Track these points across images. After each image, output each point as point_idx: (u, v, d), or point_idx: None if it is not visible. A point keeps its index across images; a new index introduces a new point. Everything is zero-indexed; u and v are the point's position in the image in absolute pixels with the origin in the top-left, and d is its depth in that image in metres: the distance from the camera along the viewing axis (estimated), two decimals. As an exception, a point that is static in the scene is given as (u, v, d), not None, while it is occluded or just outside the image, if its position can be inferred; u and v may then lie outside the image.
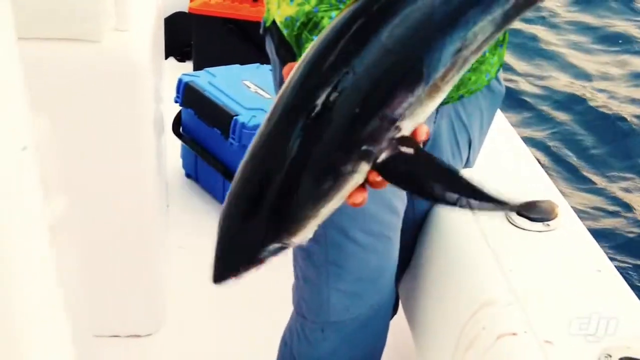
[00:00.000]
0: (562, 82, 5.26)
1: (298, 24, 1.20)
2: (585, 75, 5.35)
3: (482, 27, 0.78)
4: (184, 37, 3.69)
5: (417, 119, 0.78)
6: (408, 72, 0.75)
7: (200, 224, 2.72)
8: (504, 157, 1.74)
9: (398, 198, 1.45)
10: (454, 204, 0.82)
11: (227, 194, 0.80)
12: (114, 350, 2.07)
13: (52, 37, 1.78)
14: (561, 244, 1.43)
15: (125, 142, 1.97)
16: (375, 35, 0.73)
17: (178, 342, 2.17)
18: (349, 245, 1.43)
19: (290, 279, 1.59)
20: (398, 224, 1.49)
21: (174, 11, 3.71)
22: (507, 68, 5.07)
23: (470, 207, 0.85)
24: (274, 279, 1.80)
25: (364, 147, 0.75)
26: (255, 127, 2.50)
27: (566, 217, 1.49)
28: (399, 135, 0.77)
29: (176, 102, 2.80)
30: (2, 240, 0.81)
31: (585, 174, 4.21)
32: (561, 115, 4.84)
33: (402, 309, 1.75)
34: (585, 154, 4.41)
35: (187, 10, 3.62)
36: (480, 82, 1.45)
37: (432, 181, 0.80)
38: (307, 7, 1.20)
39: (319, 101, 0.72)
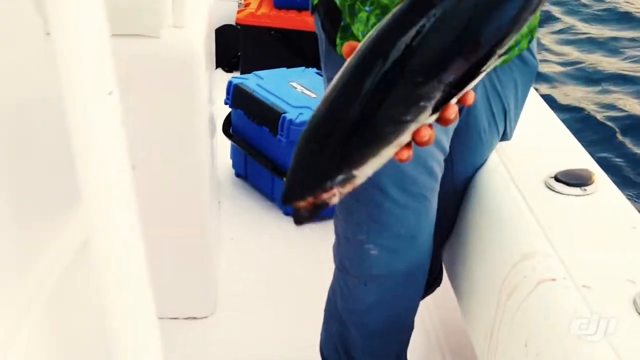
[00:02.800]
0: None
1: None
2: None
3: None
4: (231, 49, 3.84)
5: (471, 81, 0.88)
6: (466, 43, 0.85)
7: (249, 218, 2.85)
8: (538, 129, 1.82)
9: (435, 161, 1.54)
10: None
11: (306, 125, 0.90)
12: (174, 331, 2.20)
13: (114, 33, 1.91)
14: (598, 206, 1.50)
15: (182, 136, 2.08)
16: (435, 10, 0.82)
17: (231, 323, 2.30)
18: (387, 203, 1.53)
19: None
20: (435, 186, 1.57)
21: (222, 24, 3.86)
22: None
23: None
24: (320, 266, 1.91)
25: (421, 103, 0.86)
26: (303, 123, 2.61)
27: (602, 182, 1.56)
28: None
29: (226, 103, 2.93)
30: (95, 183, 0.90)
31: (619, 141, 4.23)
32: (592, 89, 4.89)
33: (446, 273, 1.83)
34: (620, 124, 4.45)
35: (234, 23, 3.77)
36: (511, 53, 1.53)
37: None
38: None
39: (389, 61, 0.82)
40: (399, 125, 0.86)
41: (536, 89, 1.91)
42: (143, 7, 1.90)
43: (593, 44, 5.84)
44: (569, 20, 6.36)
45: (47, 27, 0.81)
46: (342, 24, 1.43)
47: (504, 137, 1.68)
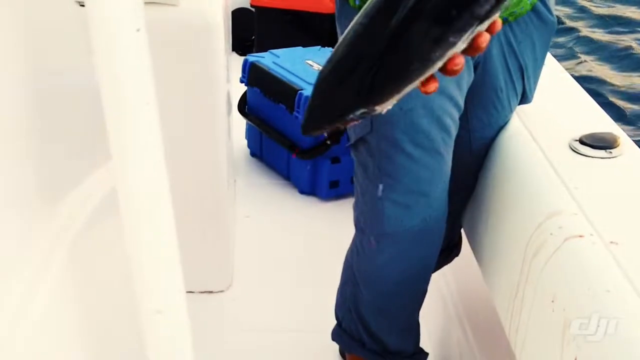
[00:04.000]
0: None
1: None
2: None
3: None
4: (245, 33, 3.83)
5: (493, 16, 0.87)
6: None
7: (265, 196, 2.85)
8: (558, 93, 1.80)
9: (448, 116, 1.53)
10: None
11: (329, 58, 0.89)
12: (190, 304, 2.18)
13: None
14: (624, 168, 1.48)
15: (201, 108, 2.08)
16: None
17: (246, 298, 2.30)
18: (400, 157, 1.52)
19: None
20: (449, 142, 1.56)
21: (236, 7, 3.85)
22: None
23: None
24: (335, 243, 1.90)
25: (451, 39, 0.85)
26: (319, 100, 2.60)
27: (628, 146, 1.55)
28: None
29: (242, 82, 2.92)
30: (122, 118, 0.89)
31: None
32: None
33: (466, 238, 1.81)
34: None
35: (248, 5, 3.76)
36: (523, 5, 1.51)
37: None
38: None
39: None
40: (426, 62, 0.84)
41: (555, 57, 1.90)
42: (163, -26, 1.89)
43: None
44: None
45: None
46: None
47: (524, 99, 1.66)
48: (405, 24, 0.82)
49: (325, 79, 0.89)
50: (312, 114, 0.89)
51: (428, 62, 0.86)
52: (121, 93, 0.88)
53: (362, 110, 0.88)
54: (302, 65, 2.84)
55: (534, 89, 1.66)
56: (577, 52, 5.55)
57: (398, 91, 0.88)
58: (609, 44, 5.63)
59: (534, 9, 1.55)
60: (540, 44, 1.59)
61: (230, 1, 3.64)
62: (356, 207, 1.65)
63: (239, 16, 3.84)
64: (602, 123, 1.66)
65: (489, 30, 0.87)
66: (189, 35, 1.96)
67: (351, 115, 0.89)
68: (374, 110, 0.90)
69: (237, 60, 3.62)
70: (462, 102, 1.56)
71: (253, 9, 3.75)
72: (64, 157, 1.14)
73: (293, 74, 2.77)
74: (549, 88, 1.74)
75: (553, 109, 1.71)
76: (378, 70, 0.84)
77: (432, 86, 0.89)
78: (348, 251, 1.73)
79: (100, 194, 1.16)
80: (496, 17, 0.89)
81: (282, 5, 3.57)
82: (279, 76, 2.77)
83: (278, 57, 2.91)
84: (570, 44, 5.61)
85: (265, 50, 3.06)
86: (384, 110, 0.92)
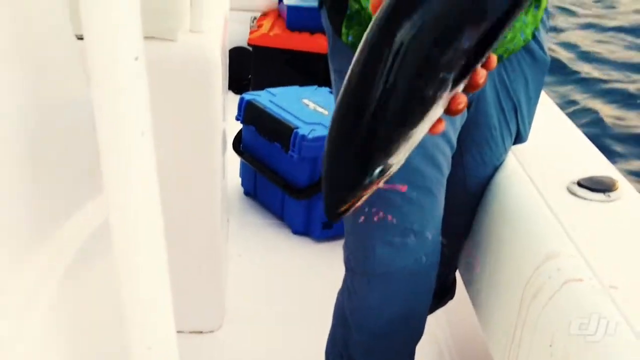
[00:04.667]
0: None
1: None
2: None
3: None
4: (242, 71, 3.84)
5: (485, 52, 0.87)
6: (475, 11, 0.84)
7: (257, 236, 2.82)
8: (555, 134, 1.80)
9: (441, 153, 1.51)
10: None
11: (326, 138, 0.89)
12: (179, 344, 2.14)
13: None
14: (622, 212, 1.47)
15: (196, 144, 2.06)
16: None
17: (236, 339, 2.26)
18: (392, 196, 1.49)
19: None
20: (441, 180, 1.54)
21: (233, 46, 3.86)
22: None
23: None
24: (328, 284, 1.88)
25: (442, 75, 0.84)
26: (315, 139, 2.59)
27: (626, 190, 1.54)
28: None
29: (237, 119, 2.92)
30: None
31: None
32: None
33: (462, 280, 1.79)
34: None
35: (246, 45, 3.78)
36: (516, 42, 1.50)
37: None
38: None
39: (401, 36, 0.81)
40: (424, 103, 0.84)
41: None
42: (160, 9, 1.88)
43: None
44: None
45: (79, 30, 0.81)
46: (347, 12, 1.43)
47: (519, 138, 1.65)
48: (397, 69, 0.82)
49: (331, 148, 0.88)
50: (332, 196, 0.89)
51: (425, 102, 0.85)
52: (116, 122, 0.86)
53: (379, 169, 0.87)
54: (299, 104, 2.84)
55: (529, 128, 1.65)
56: (573, 92, 5.58)
57: (406, 139, 0.88)
58: (607, 83, 5.67)
59: (526, 47, 1.55)
60: (533, 82, 1.59)
61: (228, 40, 3.65)
62: (346, 247, 1.62)
63: (236, 55, 3.85)
64: (600, 165, 1.66)
65: (485, 66, 0.87)
66: (187, 72, 1.95)
67: (369, 179, 0.88)
68: (390, 165, 0.89)
69: (233, 99, 3.62)
70: (455, 141, 1.55)
71: (250, 48, 3.76)
72: (56, 188, 1.12)
73: (289, 112, 2.76)
74: (545, 128, 1.74)
75: (550, 150, 1.71)
76: (380, 123, 0.83)
77: (439, 127, 0.89)
78: (339, 292, 1.70)
79: (93, 227, 1.14)
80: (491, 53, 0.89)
81: (279, 45, 3.58)
82: (275, 115, 2.77)
83: (274, 95, 2.91)
84: (568, 84, 5.65)
85: (262, 89, 3.06)
86: (400, 163, 0.91)
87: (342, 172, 0.86)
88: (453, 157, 1.55)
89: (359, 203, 0.89)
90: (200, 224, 2.15)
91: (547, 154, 1.69)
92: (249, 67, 3.80)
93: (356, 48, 1.45)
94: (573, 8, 6.76)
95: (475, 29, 0.84)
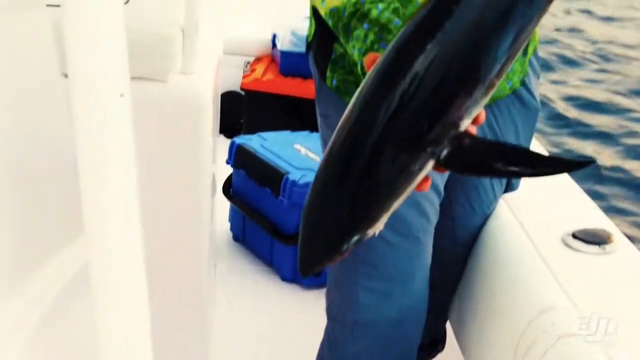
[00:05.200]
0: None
1: (347, 13, 1.24)
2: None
3: (531, 15, 0.87)
4: (234, 116, 3.82)
5: (473, 115, 0.87)
6: (465, 78, 0.84)
7: (245, 282, 2.78)
8: (548, 184, 1.77)
9: (427, 201, 1.48)
10: (519, 174, 0.92)
11: (308, 194, 0.89)
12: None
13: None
14: (617, 265, 1.44)
15: (184, 188, 2.03)
16: (431, 49, 0.82)
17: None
18: (377, 244, 1.45)
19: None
20: (428, 228, 1.51)
21: (226, 90, 3.86)
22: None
23: (536, 175, 0.92)
24: (316, 332, 1.83)
25: (428, 149, 0.84)
26: (306, 185, 2.57)
27: (621, 242, 1.51)
28: (458, 132, 0.86)
29: (228, 163, 2.89)
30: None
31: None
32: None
33: (453, 333, 1.75)
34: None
35: (238, 89, 3.77)
36: (502, 89, 1.49)
37: (493, 161, 0.88)
38: None
39: (386, 112, 0.82)
40: (408, 176, 0.85)
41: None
42: (152, 50, 1.87)
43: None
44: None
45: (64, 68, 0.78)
46: (332, 56, 1.42)
47: (510, 186, 1.62)
48: (380, 142, 0.82)
49: (311, 210, 0.88)
50: (306, 253, 0.89)
51: (409, 175, 0.85)
52: (99, 161, 0.83)
53: (356, 238, 0.89)
54: (290, 150, 2.81)
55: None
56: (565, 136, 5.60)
57: (387, 210, 0.89)
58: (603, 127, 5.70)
59: (515, 94, 1.52)
60: (524, 129, 1.56)
61: (220, 84, 3.65)
62: (328, 295, 1.58)
63: (228, 99, 3.84)
64: (595, 217, 1.63)
65: (473, 122, 0.87)
66: (177, 113, 1.92)
67: (347, 246, 0.89)
68: (367, 235, 0.90)
69: (225, 143, 3.61)
70: (442, 188, 1.51)
71: (243, 93, 3.75)
72: (36, 229, 1.08)
73: (280, 157, 2.74)
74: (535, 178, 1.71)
75: (544, 200, 1.68)
76: (363, 196, 0.84)
77: (426, 185, 0.89)
78: (320, 344, 1.65)
79: (72, 272, 1.10)
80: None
81: (272, 89, 3.57)
82: (266, 159, 2.74)
83: (266, 140, 2.89)
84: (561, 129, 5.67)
85: (254, 134, 3.04)
86: (378, 231, 0.91)
87: (321, 237, 0.87)
88: (442, 206, 1.52)
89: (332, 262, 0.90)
90: (185, 269, 2.10)
91: (541, 203, 1.66)
92: (241, 112, 3.79)
93: (340, 92, 1.44)
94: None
95: (467, 97, 0.84)
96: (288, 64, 3.58)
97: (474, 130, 0.89)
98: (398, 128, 0.81)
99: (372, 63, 0.86)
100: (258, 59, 3.91)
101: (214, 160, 2.27)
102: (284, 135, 2.96)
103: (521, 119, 1.54)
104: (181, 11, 1.94)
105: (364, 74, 0.95)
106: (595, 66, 6.63)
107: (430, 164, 0.86)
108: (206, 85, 2.01)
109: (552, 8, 0.94)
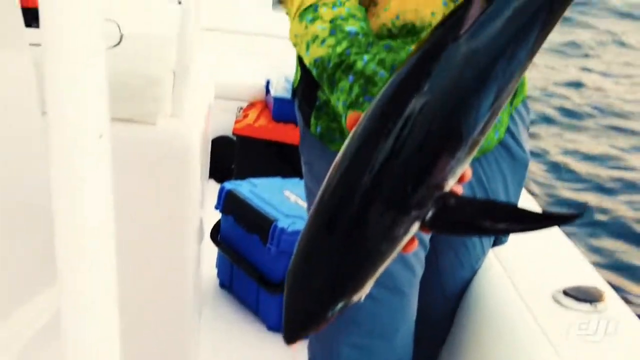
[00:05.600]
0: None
1: (331, 64, 1.21)
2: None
3: (512, 73, 0.86)
4: (225, 161, 3.80)
5: (457, 175, 0.87)
6: (447, 139, 0.83)
7: (231, 331, 2.72)
8: (539, 239, 1.74)
9: (413, 254, 1.44)
10: (507, 231, 0.91)
11: (293, 257, 0.87)
12: None
13: (113, 117, 1.85)
14: (608, 323, 1.41)
15: (169, 233, 2.00)
16: (412, 111, 0.81)
17: None
18: None
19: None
20: (413, 280, 1.47)
21: (218, 135, 3.84)
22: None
23: (524, 230, 0.91)
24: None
25: (412, 213, 0.83)
26: (295, 232, 2.53)
27: (613, 300, 1.48)
28: (442, 193, 0.84)
29: (216, 208, 2.86)
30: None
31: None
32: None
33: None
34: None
35: (230, 134, 3.75)
36: (489, 140, 1.46)
37: (480, 220, 0.87)
38: (338, 49, 1.20)
39: (368, 178, 0.81)
40: (392, 241, 0.83)
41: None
42: (141, 92, 1.85)
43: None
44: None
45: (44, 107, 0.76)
46: (317, 103, 1.40)
47: (498, 240, 1.59)
48: (363, 208, 0.80)
49: (295, 278, 0.86)
50: (290, 324, 0.87)
51: (394, 240, 0.84)
52: (75, 205, 0.80)
53: (341, 304, 0.86)
54: (280, 196, 2.78)
55: None
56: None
57: (373, 274, 0.86)
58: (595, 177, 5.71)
59: (503, 145, 1.50)
60: (512, 181, 1.53)
61: (212, 129, 3.63)
62: (310, 348, 1.54)
63: (220, 144, 3.82)
64: (586, 274, 1.60)
65: (459, 180, 0.87)
66: (164, 157, 1.90)
67: (332, 313, 0.86)
68: (353, 301, 0.88)
69: (215, 187, 3.58)
70: (427, 240, 1.48)
71: (234, 138, 3.74)
72: (7, 275, 1.04)
73: (269, 204, 2.71)
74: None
75: (535, 255, 1.65)
76: (349, 259, 0.82)
77: (412, 247, 0.88)
78: None
79: (44, 318, 1.06)
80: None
81: (264, 135, 3.56)
82: (255, 206, 2.71)
83: (256, 186, 2.86)
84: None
85: (245, 179, 3.02)
86: (363, 297, 0.90)
87: (305, 305, 0.86)
88: (428, 260, 1.49)
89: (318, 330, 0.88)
90: (168, 318, 2.06)
91: (531, 257, 1.64)
92: (232, 157, 3.77)
93: (324, 140, 1.42)
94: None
95: (450, 158, 0.83)
96: (281, 110, 3.57)
97: (459, 189, 0.87)
98: (381, 193, 0.80)
99: (354, 123, 0.86)
100: (251, 105, 3.90)
101: (202, 205, 2.24)
102: (275, 182, 2.93)
103: (510, 170, 1.52)
104: (173, 53, 1.93)
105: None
106: (594, 120, 6.69)
107: (416, 227, 0.85)
108: (195, 129, 1.99)
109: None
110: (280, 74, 3.66)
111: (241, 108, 3.93)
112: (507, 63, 0.85)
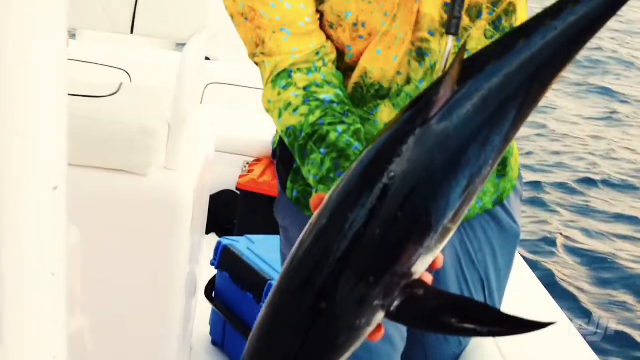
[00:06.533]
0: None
1: (303, 134, 1.17)
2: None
3: (486, 158, 0.81)
4: (227, 215, 3.76)
5: (427, 263, 0.82)
6: (415, 227, 0.79)
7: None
8: (533, 311, 1.67)
9: (392, 326, 1.37)
10: (474, 333, 0.86)
11: (250, 340, 0.84)
12: None
13: (102, 167, 1.82)
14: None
15: (154, 289, 1.95)
16: (377, 197, 0.78)
17: None
18: None
19: None
20: (392, 353, 1.39)
21: (223, 189, 3.81)
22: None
23: (493, 335, 0.86)
24: None
25: (376, 302, 0.79)
26: (289, 292, 2.47)
27: None
28: (410, 281, 0.81)
29: (212, 264, 2.80)
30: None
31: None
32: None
33: None
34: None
35: (233, 188, 3.72)
36: (471, 208, 1.39)
37: (447, 316, 0.82)
38: (311, 118, 1.16)
39: (329, 265, 0.77)
40: (354, 332, 0.80)
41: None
42: (133, 142, 1.82)
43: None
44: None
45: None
46: (293, 166, 1.34)
47: None
48: (323, 296, 0.77)
49: None
50: None
51: (356, 331, 0.79)
52: (23, 261, 0.75)
53: None
54: (277, 255, 2.71)
55: (499, 303, 1.51)
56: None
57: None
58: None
59: (491, 214, 1.43)
60: (502, 253, 1.46)
61: (217, 182, 3.60)
62: None
63: (223, 198, 3.79)
64: (583, 355, 1.53)
65: (430, 267, 0.83)
66: (154, 209, 1.86)
67: None
68: None
69: (214, 242, 3.53)
70: None
71: (238, 192, 3.70)
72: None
73: (265, 262, 2.65)
74: (523, 301, 1.62)
75: (529, 336, 1.58)
76: (311, 348, 0.79)
77: (378, 335, 0.83)
78: None
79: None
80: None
81: (267, 191, 3.51)
82: (251, 263, 2.65)
83: (253, 243, 2.80)
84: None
85: (246, 233, 2.96)
86: None
87: None
88: (412, 333, 1.42)
89: None
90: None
91: (526, 336, 1.56)
92: (235, 211, 3.72)
93: (300, 204, 1.37)
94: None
95: (418, 246, 0.78)
96: (286, 166, 3.55)
97: (428, 278, 0.81)
98: (341, 282, 0.77)
99: (317, 205, 0.82)
100: (257, 160, 3.87)
101: (194, 259, 2.19)
102: (273, 240, 2.87)
103: (499, 241, 1.45)
104: (169, 105, 1.90)
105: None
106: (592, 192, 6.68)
107: (380, 316, 0.80)
108: (188, 183, 1.95)
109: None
110: (287, 130, 3.64)
111: (247, 163, 3.90)
112: (480, 148, 0.81)
